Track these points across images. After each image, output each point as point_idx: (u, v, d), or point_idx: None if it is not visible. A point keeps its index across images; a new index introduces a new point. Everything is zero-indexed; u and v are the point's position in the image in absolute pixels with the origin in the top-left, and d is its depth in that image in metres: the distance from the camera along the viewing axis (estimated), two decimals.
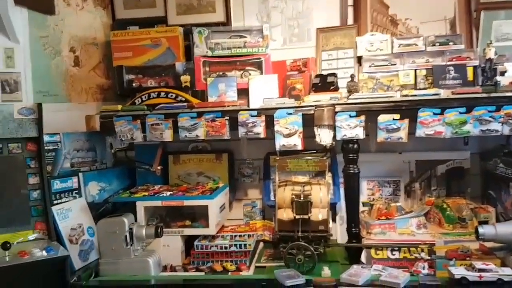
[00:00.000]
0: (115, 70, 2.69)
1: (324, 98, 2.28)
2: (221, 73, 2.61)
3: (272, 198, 2.68)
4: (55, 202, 2.44)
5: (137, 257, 2.28)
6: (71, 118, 2.73)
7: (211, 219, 2.42)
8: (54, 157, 2.55)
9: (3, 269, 1.96)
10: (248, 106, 2.44)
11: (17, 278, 2.01)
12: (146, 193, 2.57)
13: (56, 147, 2.56)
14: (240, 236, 2.50)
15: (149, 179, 2.84)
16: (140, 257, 2.28)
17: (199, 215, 2.53)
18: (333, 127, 2.24)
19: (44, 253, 2.10)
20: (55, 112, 2.66)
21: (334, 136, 2.24)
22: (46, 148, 2.46)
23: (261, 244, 2.65)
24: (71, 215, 2.48)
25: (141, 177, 2.88)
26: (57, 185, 2.49)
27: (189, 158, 2.90)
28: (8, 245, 2.06)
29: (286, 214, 2.22)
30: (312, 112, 2.26)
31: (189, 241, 2.51)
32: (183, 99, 2.49)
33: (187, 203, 2.44)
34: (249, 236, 2.51)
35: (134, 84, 2.66)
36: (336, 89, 2.39)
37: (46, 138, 2.47)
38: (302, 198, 2.18)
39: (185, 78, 2.58)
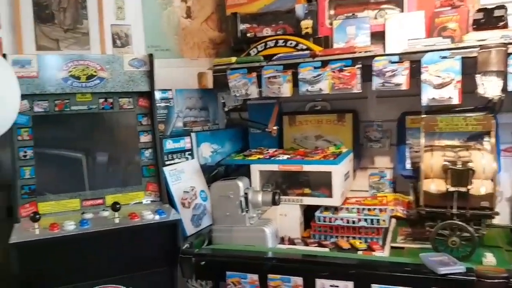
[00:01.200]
0: (229, 20, 2.32)
1: (491, 36, 1.67)
2: (350, 15, 2.10)
3: (408, 166, 2.14)
4: (167, 162, 2.20)
5: (253, 226, 1.93)
6: (183, 75, 2.46)
7: (335, 188, 1.98)
8: (167, 114, 2.30)
9: (112, 231, 1.75)
10: (384, 52, 1.92)
11: (126, 241, 1.79)
12: (261, 156, 2.21)
13: (168, 104, 2.31)
14: (369, 209, 2.04)
15: (262, 142, 2.47)
16: (256, 226, 1.93)
17: (317, 183, 2.10)
18: (503, 74, 1.63)
19: (155, 216, 1.85)
20: (167, 68, 2.41)
21: (505, 87, 1.64)
22: (158, 105, 2.21)
23: (393, 221, 2.16)
24: (183, 177, 2.23)
25: (254, 140, 2.53)
26: (169, 144, 2.24)
27: (307, 119, 2.46)
28: (118, 206, 1.83)
29: (435, 185, 1.69)
30: (474, 54, 1.67)
31: (306, 211, 2.11)
32: (304, 47, 2.05)
33: (307, 168, 2.02)
34: (380, 210, 2.03)
35: (248, 34, 2.27)
36: (506, 26, 1.75)
37: (158, 94, 2.22)
38: (460, 166, 1.63)
39: (306, 24, 2.12)
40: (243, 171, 2.21)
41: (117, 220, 1.82)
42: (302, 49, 2.04)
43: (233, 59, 2.15)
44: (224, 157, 2.48)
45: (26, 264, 1.64)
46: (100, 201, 1.99)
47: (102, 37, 2.24)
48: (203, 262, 1.84)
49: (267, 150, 2.35)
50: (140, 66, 2.04)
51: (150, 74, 2.06)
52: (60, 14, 2.21)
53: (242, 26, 2.27)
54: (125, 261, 1.80)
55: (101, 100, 2.03)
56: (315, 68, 1.93)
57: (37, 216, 1.72)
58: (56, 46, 2.22)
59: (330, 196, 2.01)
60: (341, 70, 1.88)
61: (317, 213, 2.01)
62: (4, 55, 1.82)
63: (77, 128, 2.03)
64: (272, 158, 2.14)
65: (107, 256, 1.78)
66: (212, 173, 2.41)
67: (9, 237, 1.68)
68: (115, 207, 1.82)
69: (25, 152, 1.90)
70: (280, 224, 2.04)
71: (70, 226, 1.72)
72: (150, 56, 2.05)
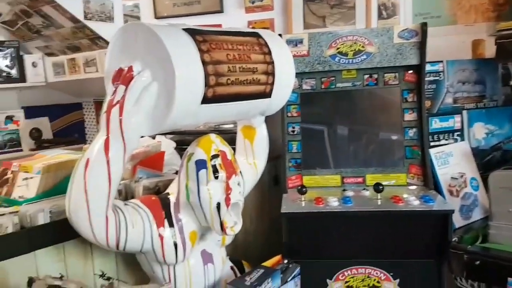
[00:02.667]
0: None
1: None
2: None
3: None
4: (431, 143, 2.04)
5: None
6: (454, 44, 2.20)
7: None
8: (435, 90, 2.11)
9: (375, 213, 1.72)
10: None
11: (389, 225, 1.74)
12: None
13: (437, 78, 2.11)
14: None
15: None
16: None
17: None
18: None
19: (422, 202, 1.73)
20: (437, 37, 2.18)
21: None
22: (425, 79, 2.04)
23: None
24: (451, 161, 2.02)
25: None
26: (435, 123, 2.08)
27: None
28: (381, 187, 1.79)
29: None
30: None
31: None
32: None
33: None
34: None
35: None
36: None
37: (426, 67, 2.05)
38: None
39: None
40: None
41: (379, 202, 1.78)
42: None
43: None
44: (502, 140, 2.13)
45: (293, 233, 1.79)
46: (360, 179, 1.99)
47: (368, 10, 2.20)
48: (477, 262, 1.63)
49: None
50: (410, 37, 1.91)
51: (421, 46, 1.90)
52: None
53: None
54: (387, 245, 1.76)
55: (366, 76, 2.01)
56: None
57: (304, 189, 1.84)
58: (322, 23, 2.30)
59: None
60: None
61: None
62: (279, 35, 1.99)
63: (340, 105, 2.07)
64: None
65: (368, 238, 1.77)
66: (486, 159, 2.11)
67: (276, 203, 1.86)
68: (378, 188, 1.78)
69: (293, 127, 2.05)
70: None
71: (334, 202, 1.77)
72: (424, 25, 1.88)
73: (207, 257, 1.58)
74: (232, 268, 1.71)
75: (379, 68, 1.98)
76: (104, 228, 1.25)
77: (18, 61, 3.48)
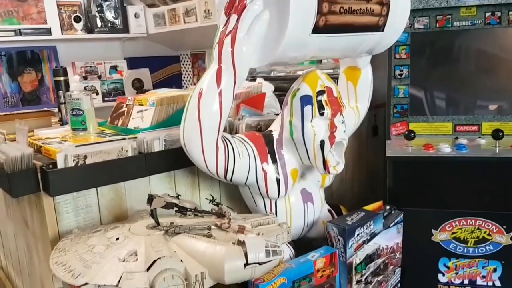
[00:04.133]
0: None
1: None
2: None
3: None
4: None
5: None
6: None
7: None
8: None
9: (492, 160, 1.64)
10: None
11: (505, 175, 1.66)
12: None
13: None
14: None
15: None
16: None
17: None
18: None
19: None
20: None
21: None
22: None
23: None
24: None
25: None
26: None
27: None
28: (501, 134, 1.69)
29: None
30: None
31: None
32: None
33: None
34: None
35: None
36: None
37: None
38: None
39: None
40: None
41: (497, 150, 1.69)
42: None
43: None
44: None
45: (397, 179, 1.77)
46: (475, 127, 1.88)
47: None
48: None
49: None
50: None
51: None
52: None
53: None
54: (502, 196, 1.68)
55: (488, 14, 1.86)
56: None
57: (412, 134, 1.79)
58: None
59: None
60: None
61: None
62: None
63: (455, 46, 1.95)
64: None
65: (481, 188, 1.70)
66: None
67: (374, 154, 1.83)
68: (497, 135, 1.68)
69: (401, 70, 1.98)
70: None
71: (446, 149, 1.72)
72: None
73: (307, 196, 1.63)
74: (329, 211, 1.75)
75: (503, 4, 1.82)
76: (214, 157, 1.34)
77: (122, 12, 3.73)
